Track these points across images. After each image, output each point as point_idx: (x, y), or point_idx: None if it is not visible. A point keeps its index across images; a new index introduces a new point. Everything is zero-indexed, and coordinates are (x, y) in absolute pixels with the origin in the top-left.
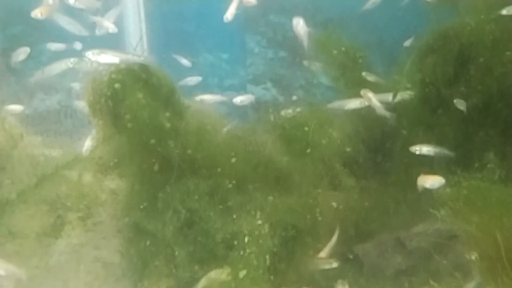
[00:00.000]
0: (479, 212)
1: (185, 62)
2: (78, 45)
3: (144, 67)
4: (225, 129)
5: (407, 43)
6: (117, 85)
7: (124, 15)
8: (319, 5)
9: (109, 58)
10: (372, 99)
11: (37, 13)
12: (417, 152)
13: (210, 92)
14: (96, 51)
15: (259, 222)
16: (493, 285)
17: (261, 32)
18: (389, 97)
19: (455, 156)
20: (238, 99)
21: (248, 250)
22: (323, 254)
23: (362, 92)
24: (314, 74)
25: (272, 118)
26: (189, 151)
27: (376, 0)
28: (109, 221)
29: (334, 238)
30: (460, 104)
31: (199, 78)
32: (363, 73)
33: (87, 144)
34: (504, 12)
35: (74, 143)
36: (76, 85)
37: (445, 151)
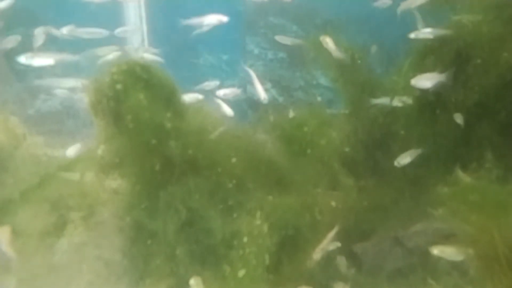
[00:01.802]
0: (476, 212)
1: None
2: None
3: (145, 68)
4: (216, 132)
5: None
6: (118, 86)
7: (126, 17)
8: (318, 7)
9: (43, 60)
10: (329, 44)
11: None
12: (400, 165)
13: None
14: (29, 54)
15: (259, 221)
16: (491, 284)
17: (261, 33)
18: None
19: (454, 155)
20: (221, 93)
21: (247, 249)
22: (319, 250)
23: (321, 38)
24: (313, 75)
25: (271, 119)
26: (190, 151)
27: (387, 1)
28: (110, 220)
29: (331, 234)
30: (458, 118)
31: (217, 83)
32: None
33: (74, 148)
34: (412, 36)
35: (76, 143)
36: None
37: (417, 152)
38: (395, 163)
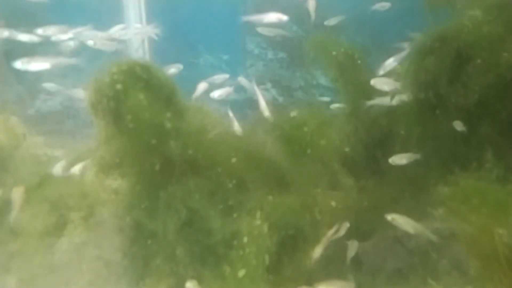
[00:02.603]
0: (476, 211)
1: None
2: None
3: (145, 68)
4: (214, 132)
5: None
6: (118, 86)
7: (126, 18)
8: (318, 7)
9: (40, 65)
10: (310, 4)
11: None
12: (394, 163)
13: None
14: (25, 59)
15: (259, 221)
16: (491, 284)
17: (261, 33)
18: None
19: (454, 155)
20: (216, 94)
21: (247, 250)
22: (318, 249)
23: None
24: (313, 75)
25: (271, 119)
26: (190, 151)
27: (385, 4)
28: (110, 220)
29: (330, 233)
30: (458, 125)
31: (226, 76)
32: None
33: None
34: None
35: (76, 143)
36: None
37: (415, 157)
38: (390, 161)
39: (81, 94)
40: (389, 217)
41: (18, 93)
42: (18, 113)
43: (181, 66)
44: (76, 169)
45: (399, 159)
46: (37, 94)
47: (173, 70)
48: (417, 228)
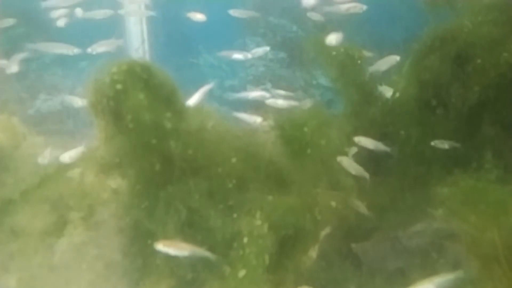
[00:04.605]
0: (476, 212)
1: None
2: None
3: (145, 68)
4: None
5: None
6: (118, 86)
7: (126, 18)
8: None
9: None
10: None
11: None
12: (359, 144)
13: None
14: None
15: (259, 221)
16: (491, 284)
17: (261, 33)
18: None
19: (453, 155)
20: (192, 101)
21: (247, 250)
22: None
23: None
24: (313, 75)
25: (271, 119)
26: (190, 151)
27: None
28: (110, 220)
29: (324, 233)
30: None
31: (267, 48)
32: None
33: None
34: None
35: (76, 143)
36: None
37: (383, 147)
38: (356, 140)
39: (77, 101)
40: (338, 158)
41: (18, 93)
42: (18, 113)
43: (249, 55)
44: (66, 156)
45: (369, 143)
46: (37, 94)
47: (239, 56)
48: (359, 171)
